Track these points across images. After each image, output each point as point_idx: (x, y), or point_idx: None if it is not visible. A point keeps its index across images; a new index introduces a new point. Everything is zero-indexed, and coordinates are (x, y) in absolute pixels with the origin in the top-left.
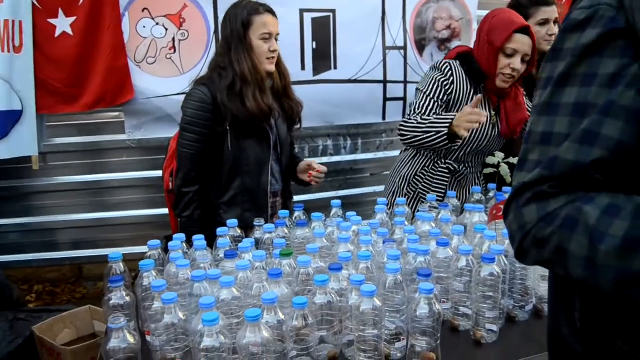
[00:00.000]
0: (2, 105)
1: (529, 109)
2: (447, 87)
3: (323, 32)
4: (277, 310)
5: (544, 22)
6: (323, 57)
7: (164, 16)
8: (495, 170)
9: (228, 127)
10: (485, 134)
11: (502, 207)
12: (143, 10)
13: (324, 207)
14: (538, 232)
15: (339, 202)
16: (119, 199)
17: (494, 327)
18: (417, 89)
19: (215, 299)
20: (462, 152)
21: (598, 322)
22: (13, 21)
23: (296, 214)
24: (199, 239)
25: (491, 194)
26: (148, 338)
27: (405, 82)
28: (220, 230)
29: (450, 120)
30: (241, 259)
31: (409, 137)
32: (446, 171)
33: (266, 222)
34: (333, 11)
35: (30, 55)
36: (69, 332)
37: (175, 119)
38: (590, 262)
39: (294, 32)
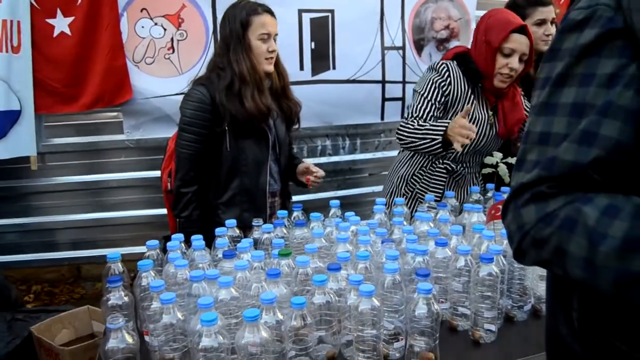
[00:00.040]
0: (0, 105)
1: (527, 109)
2: (444, 89)
3: (321, 32)
4: (276, 310)
5: (541, 23)
6: (321, 57)
7: (163, 16)
8: (493, 170)
9: (226, 128)
10: (482, 134)
11: (500, 207)
12: (141, 11)
13: (322, 207)
14: (537, 233)
15: (337, 202)
16: (117, 199)
17: (492, 327)
18: (414, 90)
19: (213, 299)
20: (460, 153)
21: (596, 322)
22: (11, 21)
23: (295, 214)
24: (198, 239)
25: (489, 194)
26: (146, 338)
27: (404, 82)
28: (218, 231)
29: (444, 128)
30: (240, 259)
31: (406, 141)
32: (444, 171)
33: (265, 222)
34: (331, 11)
35: (28, 55)
36: (67, 333)
37: (173, 119)
38: (590, 262)
39: (292, 32)
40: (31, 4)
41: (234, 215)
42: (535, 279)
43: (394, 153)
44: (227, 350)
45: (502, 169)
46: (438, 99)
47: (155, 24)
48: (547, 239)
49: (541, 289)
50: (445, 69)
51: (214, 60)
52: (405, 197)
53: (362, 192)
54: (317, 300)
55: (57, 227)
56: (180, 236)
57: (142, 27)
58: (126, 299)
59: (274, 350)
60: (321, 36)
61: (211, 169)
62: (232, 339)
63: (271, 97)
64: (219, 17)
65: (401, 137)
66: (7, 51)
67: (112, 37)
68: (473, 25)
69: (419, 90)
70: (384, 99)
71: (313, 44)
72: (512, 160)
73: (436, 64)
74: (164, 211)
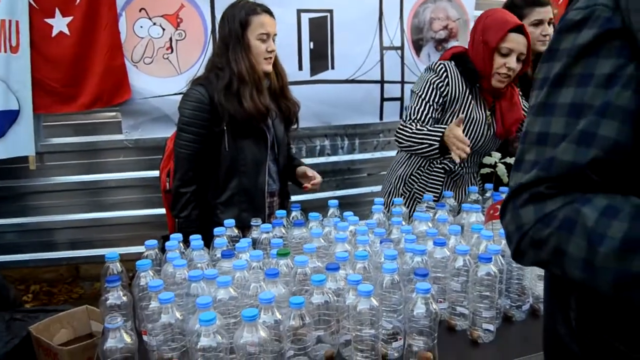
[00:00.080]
0: None
1: (525, 109)
2: (442, 89)
3: (320, 32)
4: (274, 310)
5: (538, 23)
6: (320, 57)
7: (161, 16)
8: (492, 170)
9: (225, 127)
10: (480, 135)
11: (499, 207)
12: (140, 10)
13: (321, 207)
14: (535, 234)
15: (336, 202)
16: (116, 199)
17: (491, 327)
18: (412, 92)
19: (212, 299)
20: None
21: (594, 322)
22: (10, 21)
23: (293, 213)
24: (196, 239)
25: (488, 194)
26: (145, 338)
27: (403, 82)
28: (217, 230)
29: (441, 134)
30: (238, 259)
31: (405, 144)
32: (442, 171)
33: (263, 222)
34: (330, 11)
35: (27, 55)
36: (65, 332)
37: (172, 119)
38: (589, 263)
39: (291, 32)
40: (30, 4)
41: (233, 215)
42: (534, 278)
43: (393, 153)
44: (226, 350)
45: (501, 169)
46: (436, 100)
47: (154, 23)
48: (546, 240)
49: (539, 288)
50: (443, 69)
51: (213, 60)
52: (403, 197)
53: (360, 192)
54: (316, 300)
55: (55, 227)
56: (179, 236)
57: (141, 27)
58: (124, 298)
59: (272, 350)
60: (320, 36)
61: (210, 168)
62: (231, 338)
63: (270, 97)
64: (218, 17)
65: (399, 140)
66: (5, 51)
67: (110, 37)
68: (471, 26)
69: (416, 92)
70: (382, 99)
71: (312, 44)
72: (511, 160)
73: (434, 64)
74: (162, 211)
